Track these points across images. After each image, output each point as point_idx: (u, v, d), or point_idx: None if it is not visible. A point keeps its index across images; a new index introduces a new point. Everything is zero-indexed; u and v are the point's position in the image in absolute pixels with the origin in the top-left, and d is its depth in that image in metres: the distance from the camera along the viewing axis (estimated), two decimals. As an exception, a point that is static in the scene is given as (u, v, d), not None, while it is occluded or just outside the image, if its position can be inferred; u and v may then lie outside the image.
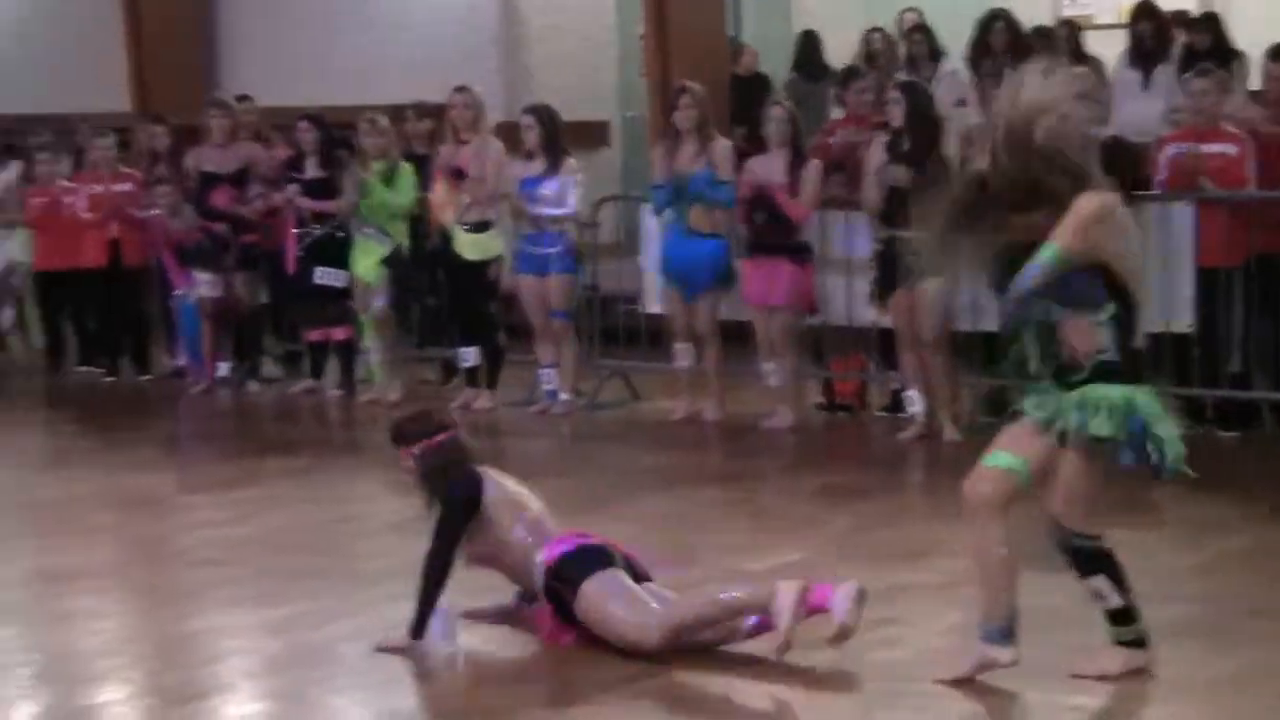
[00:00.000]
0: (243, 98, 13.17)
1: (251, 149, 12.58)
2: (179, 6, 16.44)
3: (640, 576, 6.32)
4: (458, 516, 6.34)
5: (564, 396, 11.28)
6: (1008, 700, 5.74)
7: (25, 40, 17.45)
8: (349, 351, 12.14)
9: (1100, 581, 5.79)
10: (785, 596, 5.97)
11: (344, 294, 11.95)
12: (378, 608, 6.80)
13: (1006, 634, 5.79)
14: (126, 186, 12.81)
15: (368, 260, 11.73)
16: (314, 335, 12.22)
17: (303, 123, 12.11)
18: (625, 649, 6.13)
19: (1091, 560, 5.78)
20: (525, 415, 11.24)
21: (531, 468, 9.17)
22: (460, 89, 11.53)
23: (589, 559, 6.26)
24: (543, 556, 6.29)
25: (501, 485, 6.48)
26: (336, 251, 11.94)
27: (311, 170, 12.02)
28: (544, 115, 11.16)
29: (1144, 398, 5.69)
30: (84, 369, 13.21)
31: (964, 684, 5.82)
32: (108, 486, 9.54)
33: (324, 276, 11.88)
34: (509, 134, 11.64)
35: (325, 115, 12.32)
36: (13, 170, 13.85)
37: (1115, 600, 5.80)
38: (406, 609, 6.33)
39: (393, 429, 6.62)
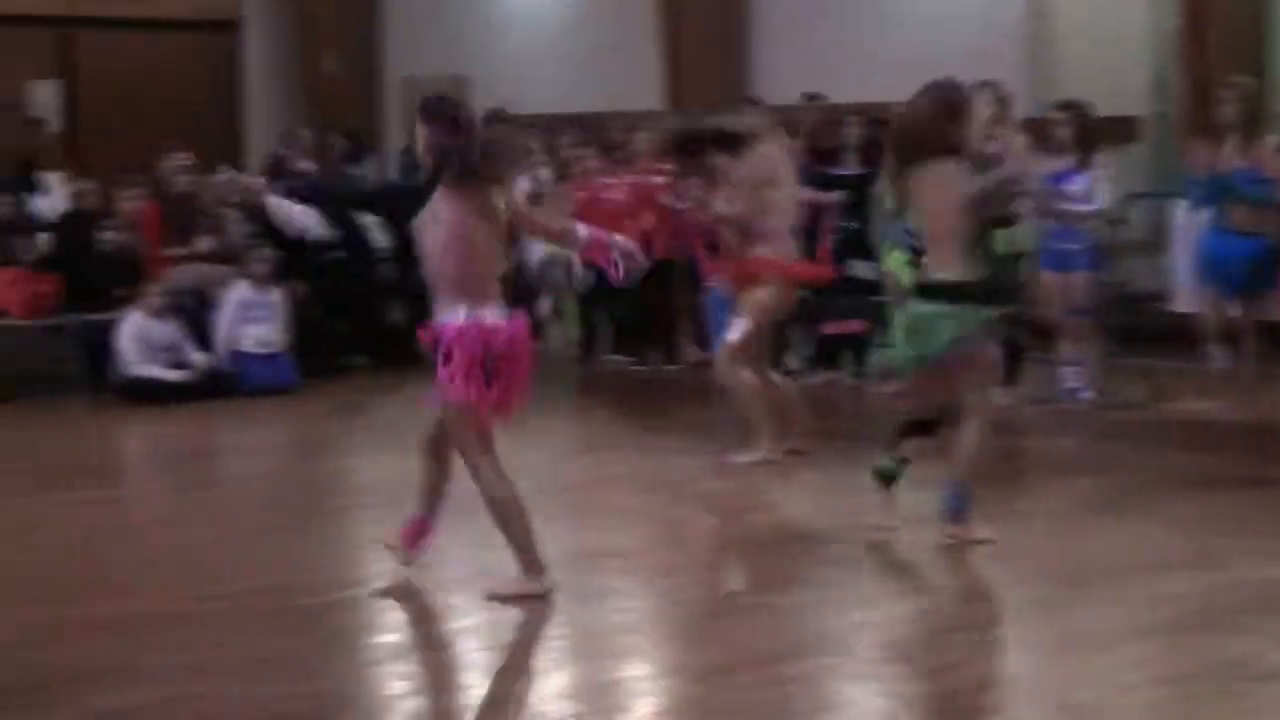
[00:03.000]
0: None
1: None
2: (714, 5, 16.81)
3: None
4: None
5: (1086, 395, 11.13)
6: None
7: (563, 46, 18.15)
8: (863, 343, 12.24)
9: None
10: None
11: (869, 287, 12.05)
12: (891, 601, 6.88)
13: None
14: (659, 179, 13.17)
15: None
16: (831, 328, 12.37)
17: (849, 119, 12.24)
18: None
19: None
20: (1046, 413, 11.12)
21: (1052, 466, 9.13)
22: (986, 83, 11.47)
23: None
24: None
25: None
26: (866, 245, 12.07)
27: (851, 166, 12.14)
28: (1079, 111, 11.06)
29: None
30: (615, 357, 13.64)
31: None
32: (638, 470, 9.87)
33: (856, 269, 12.04)
34: (1031, 129, 11.53)
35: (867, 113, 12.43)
36: (543, 174, 14.42)
37: None
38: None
39: None
